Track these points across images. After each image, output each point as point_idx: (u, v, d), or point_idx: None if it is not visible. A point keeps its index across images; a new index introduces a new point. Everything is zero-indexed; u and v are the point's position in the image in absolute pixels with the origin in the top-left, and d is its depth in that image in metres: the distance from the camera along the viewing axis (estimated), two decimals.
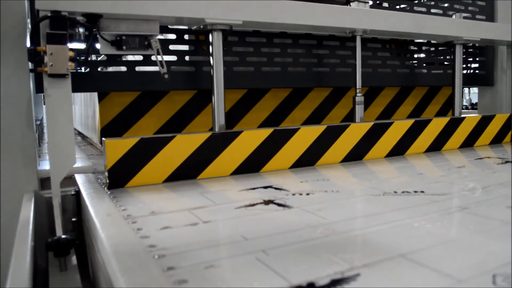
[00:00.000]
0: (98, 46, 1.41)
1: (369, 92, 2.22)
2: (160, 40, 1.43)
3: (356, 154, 1.77)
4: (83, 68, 1.59)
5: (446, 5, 2.29)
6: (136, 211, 1.05)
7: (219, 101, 1.53)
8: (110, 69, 1.73)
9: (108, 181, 1.33)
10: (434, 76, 2.35)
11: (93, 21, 1.32)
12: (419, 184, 1.31)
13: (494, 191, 1.20)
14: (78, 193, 1.40)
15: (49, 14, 1.23)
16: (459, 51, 2.06)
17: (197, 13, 1.42)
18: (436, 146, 1.99)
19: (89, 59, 1.36)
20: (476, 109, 2.95)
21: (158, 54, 1.42)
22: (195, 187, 1.34)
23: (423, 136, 1.94)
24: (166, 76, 1.43)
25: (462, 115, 2.10)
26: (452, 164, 1.69)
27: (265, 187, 1.29)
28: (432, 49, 2.36)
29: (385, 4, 2.06)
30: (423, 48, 2.33)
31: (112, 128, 1.70)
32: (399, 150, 1.88)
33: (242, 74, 1.78)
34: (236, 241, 0.83)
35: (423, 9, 2.22)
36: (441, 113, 2.53)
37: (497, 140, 2.22)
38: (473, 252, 0.74)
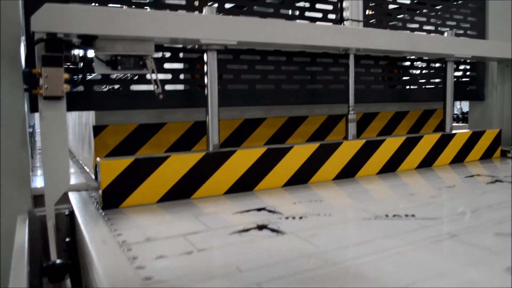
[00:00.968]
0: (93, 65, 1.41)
1: (364, 118, 2.25)
2: (154, 58, 1.44)
3: (349, 171, 1.79)
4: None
5: (438, 22, 2.33)
6: (131, 237, 1.06)
7: (213, 120, 1.54)
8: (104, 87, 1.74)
9: (102, 201, 1.34)
10: (428, 92, 2.39)
11: (88, 42, 1.33)
12: (410, 206, 1.33)
13: (483, 215, 1.23)
14: (72, 213, 1.41)
15: (45, 37, 1.23)
16: (450, 68, 2.09)
17: (192, 34, 1.43)
18: (428, 162, 2.02)
19: (84, 79, 1.37)
20: (467, 118, 2.98)
21: (153, 73, 1.43)
22: (190, 208, 1.35)
23: (414, 152, 1.97)
24: (161, 96, 1.45)
25: (453, 131, 2.13)
26: (443, 183, 1.71)
27: (259, 210, 1.30)
28: (424, 65, 2.39)
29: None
30: (415, 64, 2.37)
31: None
32: (391, 166, 1.90)
33: (236, 92, 1.79)
34: (231, 273, 0.84)
35: (416, 25, 2.25)
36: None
37: (487, 155, 2.25)
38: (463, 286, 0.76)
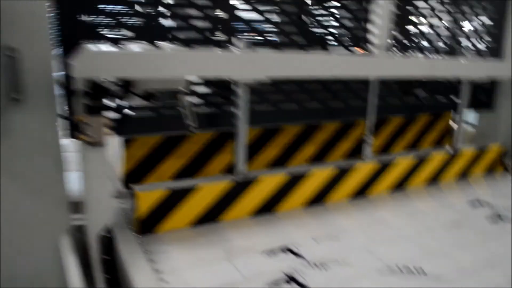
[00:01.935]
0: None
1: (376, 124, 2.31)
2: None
3: (362, 191, 1.91)
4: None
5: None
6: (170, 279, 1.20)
7: (241, 147, 1.62)
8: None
9: (139, 228, 1.45)
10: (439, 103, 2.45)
11: (126, 84, 1.38)
12: (419, 256, 1.46)
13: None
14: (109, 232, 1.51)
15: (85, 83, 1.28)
16: (465, 88, 2.14)
17: (223, 73, 1.47)
18: (435, 179, 2.14)
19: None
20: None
21: (185, 108, 1.50)
22: (219, 239, 1.47)
23: (423, 170, 2.08)
24: (194, 131, 1.52)
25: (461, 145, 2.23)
26: (447, 217, 1.83)
27: (283, 250, 1.43)
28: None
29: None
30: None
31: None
32: (400, 185, 2.02)
33: (262, 113, 1.85)
34: None
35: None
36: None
37: (491, 170, 2.37)
38: None
